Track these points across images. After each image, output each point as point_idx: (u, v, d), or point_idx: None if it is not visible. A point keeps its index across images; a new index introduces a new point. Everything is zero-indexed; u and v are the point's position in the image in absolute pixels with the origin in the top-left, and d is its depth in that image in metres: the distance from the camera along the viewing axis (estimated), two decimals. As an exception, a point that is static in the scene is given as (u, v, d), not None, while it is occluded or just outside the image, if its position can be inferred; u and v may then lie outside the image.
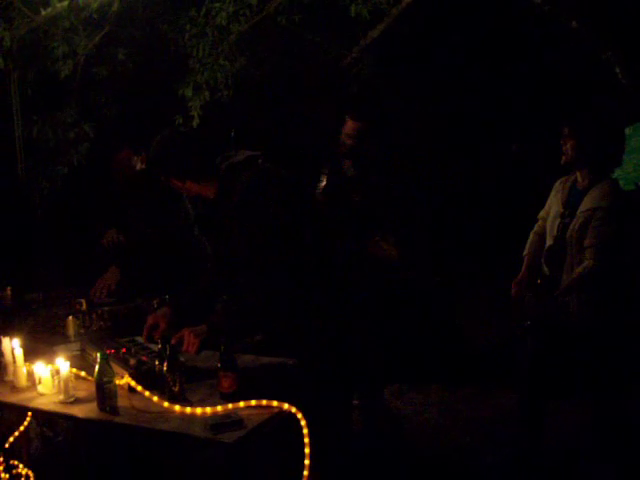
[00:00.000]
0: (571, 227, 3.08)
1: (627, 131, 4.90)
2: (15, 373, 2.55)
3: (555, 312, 3.10)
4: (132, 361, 2.47)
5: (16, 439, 3.06)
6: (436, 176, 7.28)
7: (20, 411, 2.92)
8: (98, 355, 2.28)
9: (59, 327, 3.06)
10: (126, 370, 2.41)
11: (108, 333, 2.94)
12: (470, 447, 3.64)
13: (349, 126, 3.60)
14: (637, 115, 4.74)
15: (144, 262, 3.70)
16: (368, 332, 3.52)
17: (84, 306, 3.19)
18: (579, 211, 3.07)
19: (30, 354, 2.59)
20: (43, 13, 4.55)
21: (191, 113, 4.82)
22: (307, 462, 2.16)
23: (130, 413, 2.24)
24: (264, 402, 2.21)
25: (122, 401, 2.29)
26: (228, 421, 2.10)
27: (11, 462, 3.12)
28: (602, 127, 3.11)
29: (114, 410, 2.25)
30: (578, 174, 3.18)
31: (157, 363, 2.35)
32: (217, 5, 4.63)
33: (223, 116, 5.41)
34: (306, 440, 2.16)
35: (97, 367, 2.25)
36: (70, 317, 3.02)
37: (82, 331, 3.02)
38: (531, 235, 3.42)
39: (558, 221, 3.16)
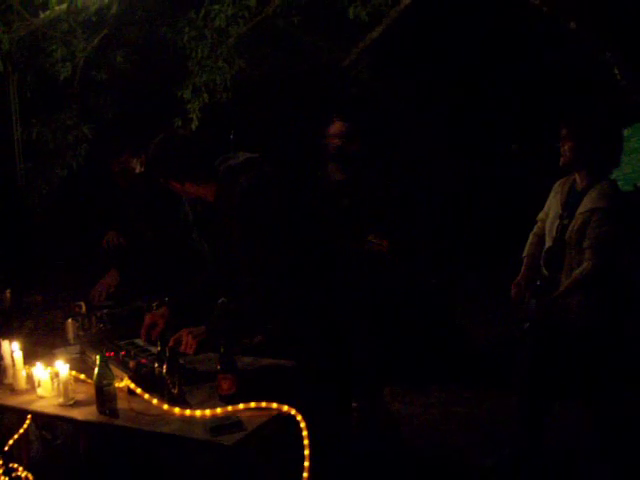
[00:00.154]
0: (570, 228, 3.08)
1: (626, 132, 4.92)
2: (14, 376, 2.55)
3: (554, 313, 3.10)
4: (131, 364, 2.47)
5: (16, 442, 3.05)
6: (436, 176, 7.28)
7: (19, 414, 2.91)
8: (97, 358, 2.28)
9: (58, 330, 3.07)
10: (125, 373, 2.42)
11: (107, 336, 2.93)
12: (470, 447, 3.64)
13: (336, 127, 3.58)
14: (636, 116, 4.74)
15: (144, 264, 3.70)
16: (367, 333, 3.52)
17: (83, 309, 3.19)
18: (578, 212, 3.07)
19: (29, 357, 2.59)
20: (42, 16, 4.55)
21: (190, 115, 4.83)
22: (307, 464, 2.16)
23: (129, 416, 2.24)
24: (263, 404, 2.21)
25: (121, 404, 2.29)
26: (228, 423, 2.10)
27: (11, 465, 3.11)
28: (600, 128, 3.11)
29: (113, 413, 2.25)
30: (577, 175, 3.18)
31: (156, 365, 2.35)
32: (216, 7, 4.63)
33: (222, 118, 5.42)
34: (305, 442, 2.16)
35: (96, 370, 2.25)
36: (69, 320, 3.03)
37: (81, 334, 3.02)
38: (530, 236, 3.42)
39: (557, 222, 3.16)
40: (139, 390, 2.33)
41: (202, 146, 2.76)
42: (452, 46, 6.79)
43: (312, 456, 2.16)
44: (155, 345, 2.63)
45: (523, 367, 3.30)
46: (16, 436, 3.04)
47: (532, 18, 5.47)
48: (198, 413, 2.19)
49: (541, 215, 3.39)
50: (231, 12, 4.61)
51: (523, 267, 3.37)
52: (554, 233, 3.17)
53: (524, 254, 3.40)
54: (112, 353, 2.59)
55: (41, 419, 3.22)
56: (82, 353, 2.78)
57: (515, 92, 7.19)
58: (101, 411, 2.26)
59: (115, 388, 2.27)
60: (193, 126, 4.76)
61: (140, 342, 2.75)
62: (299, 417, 2.18)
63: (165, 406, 2.25)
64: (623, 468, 3.12)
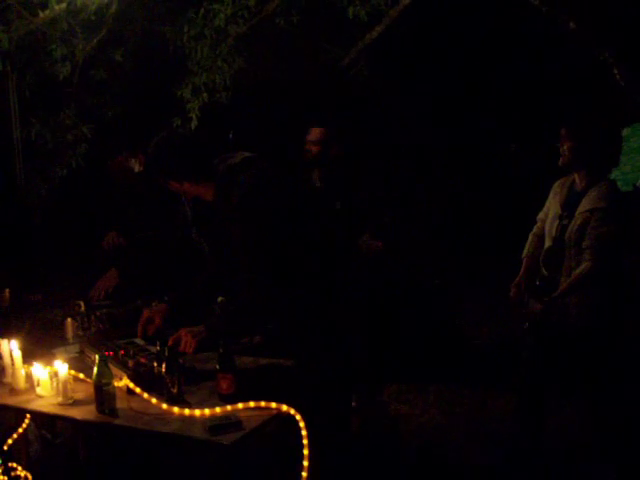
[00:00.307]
0: (569, 228, 3.08)
1: (625, 132, 4.91)
2: (13, 375, 2.54)
3: (554, 313, 3.09)
4: (131, 363, 2.47)
5: (15, 441, 3.05)
6: (436, 176, 7.29)
7: (19, 413, 2.91)
8: (97, 357, 2.28)
9: (58, 329, 3.06)
10: (125, 372, 2.41)
11: (107, 335, 2.93)
12: (470, 447, 3.64)
13: (314, 133, 3.57)
14: (635, 116, 4.74)
15: (143, 264, 3.70)
16: (367, 333, 3.52)
17: (83, 308, 3.19)
18: (577, 212, 3.07)
19: (29, 356, 2.58)
20: (41, 15, 4.55)
21: (189, 115, 4.83)
22: (306, 463, 2.16)
23: (129, 415, 2.24)
24: (263, 403, 2.21)
25: (121, 403, 2.28)
26: (227, 423, 2.10)
27: (10, 464, 3.11)
28: (599, 128, 3.11)
29: (113, 412, 2.25)
30: (576, 175, 3.18)
31: (156, 365, 2.35)
32: (216, 7, 4.63)
33: (221, 118, 5.42)
34: (305, 441, 2.16)
35: (96, 369, 2.25)
36: (69, 319, 3.02)
37: (81, 333, 3.02)
38: (530, 236, 3.42)
39: (557, 222, 3.16)
40: (138, 389, 2.33)
41: (201, 146, 2.76)
42: (452, 46, 6.80)
43: (311, 455, 2.16)
44: (153, 343, 2.64)
45: (523, 367, 3.30)
46: (15, 435, 3.04)
47: (532, 18, 5.47)
48: (197, 412, 2.19)
49: (540, 215, 3.38)
50: (231, 11, 4.61)
51: (522, 267, 3.37)
52: (554, 233, 3.17)
53: (523, 254, 3.40)
54: (111, 352, 2.59)
55: (40, 418, 3.23)
56: (81, 352, 2.78)
57: (515, 92, 7.19)
58: (100, 410, 2.25)
59: (114, 387, 2.27)
60: (192, 126, 4.76)
61: (139, 341, 2.75)
62: (298, 417, 2.17)
63: (164, 405, 2.24)
64: (623, 468, 3.12)
